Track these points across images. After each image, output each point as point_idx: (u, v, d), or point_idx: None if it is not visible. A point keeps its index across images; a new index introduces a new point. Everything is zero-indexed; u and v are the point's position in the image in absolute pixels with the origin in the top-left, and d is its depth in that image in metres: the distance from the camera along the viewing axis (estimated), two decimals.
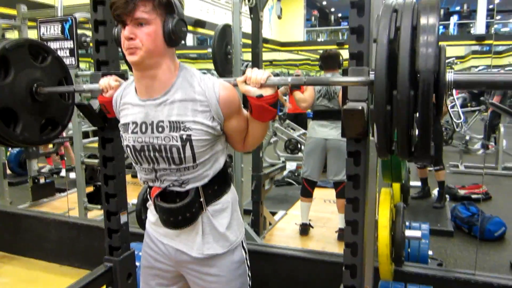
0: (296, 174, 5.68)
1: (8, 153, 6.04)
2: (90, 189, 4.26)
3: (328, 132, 3.43)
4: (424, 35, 1.00)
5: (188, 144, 1.25)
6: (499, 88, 1.12)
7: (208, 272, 1.39)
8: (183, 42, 1.34)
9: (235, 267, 1.41)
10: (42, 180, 4.66)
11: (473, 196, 4.88)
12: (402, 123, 1.05)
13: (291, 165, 5.96)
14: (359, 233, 1.51)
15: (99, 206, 3.83)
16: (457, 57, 15.39)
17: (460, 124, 6.58)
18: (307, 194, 3.68)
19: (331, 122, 3.44)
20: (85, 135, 5.89)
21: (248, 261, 1.47)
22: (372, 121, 1.13)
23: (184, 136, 1.24)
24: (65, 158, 5.95)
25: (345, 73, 1.40)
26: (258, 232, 3.42)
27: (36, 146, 4.61)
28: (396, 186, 2.48)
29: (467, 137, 7.03)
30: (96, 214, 3.91)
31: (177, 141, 1.25)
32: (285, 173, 5.70)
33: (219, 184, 1.38)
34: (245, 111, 1.37)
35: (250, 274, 1.47)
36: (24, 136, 1.67)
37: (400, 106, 1.04)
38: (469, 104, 8.25)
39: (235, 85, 1.31)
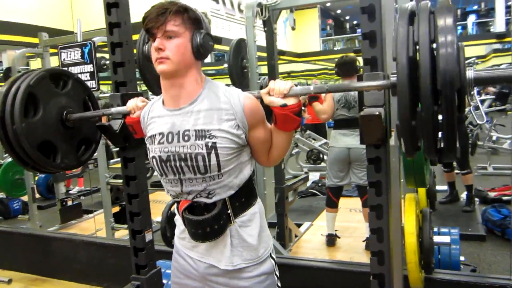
0: (319, 184, 5.63)
1: (37, 178, 6.19)
2: (116, 209, 4.33)
3: (350, 141, 3.39)
4: (442, 37, 0.99)
5: (213, 151, 1.27)
6: None
7: (237, 285, 1.39)
8: None
9: (264, 279, 1.40)
10: (69, 203, 4.75)
11: (504, 198, 4.72)
12: (427, 135, 1.06)
13: (314, 176, 5.91)
14: (384, 241, 1.49)
15: (125, 226, 3.87)
16: (478, 57, 15.11)
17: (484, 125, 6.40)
18: (332, 204, 3.63)
19: (353, 130, 3.40)
20: (111, 156, 5.99)
21: (277, 271, 1.46)
22: (399, 136, 1.12)
23: (210, 144, 1.27)
24: None
25: (359, 79, 1.39)
26: (284, 244, 3.39)
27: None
28: (422, 191, 2.42)
29: (494, 138, 6.84)
30: (123, 234, 3.95)
31: (202, 149, 1.27)
32: (308, 184, 5.66)
33: (246, 196, 1.39)
34: (268, 124, 1.39)
35: (279, 284, 1.46)
36: (64, 163, 1.75)
37: (424, 122, 1.04)
38: (493, 104, 8.04)
39: (259, 98, 1.34)
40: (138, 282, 2.00)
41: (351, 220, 4.27)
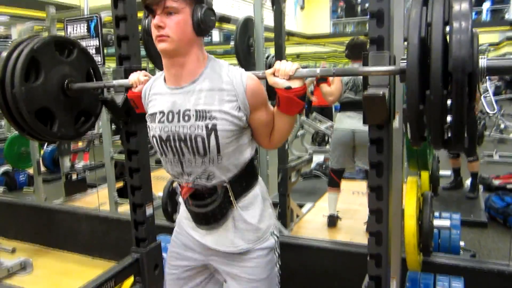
0: (323, 167, 5.62)
1: (43, 151, 6.24)
2: (120, 184, 4.37)
3: (355, 123, 3.36)
4: (457, 22, 0.96)
5: (213, 133, 1.25)
6: None
7: (238, 261, 1.41)
8: (209, 38, 1.35)
9: (265, 253, 1.41)
10: (74, 177, 4.79)
11: (508, 186, 4.70)
12: (435, 121, 1.04)
13: (318, 158, 5.90)
14: (383, 222, 1.49)
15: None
16: (491, 44, 14.84)
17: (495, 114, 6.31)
18: (334, 184, 3.63)
19: (358, 113, 3.36)
20: (116, 131, 6.00)
21: (278, 249, 1.47)
22: (405, 120, 1.11)
23: (210, 125, 1.24)
24: None
25: (365, 59, 1.37)
26: (286, 224, 3.41)
27: (68, 142, 4.74)
28: (425, 175, 2.41)
29: (502, 126, 6.77)
30: (126, 208, 3.98)
31: (202, 130, 1.25)
32: (312, 165, 5.66)
33: (246, 180, 1.39)
34: (271, 106, 1.37)
35: (280, 263, 1.48)
36: (61, 132, 1.74)
37: (433, 106, 1.02)
38: (503, 92, 7.93)
39: (264, 78, 1.32)
40: (138, 254, 2.03)
41: (353, 203, 4.28)
